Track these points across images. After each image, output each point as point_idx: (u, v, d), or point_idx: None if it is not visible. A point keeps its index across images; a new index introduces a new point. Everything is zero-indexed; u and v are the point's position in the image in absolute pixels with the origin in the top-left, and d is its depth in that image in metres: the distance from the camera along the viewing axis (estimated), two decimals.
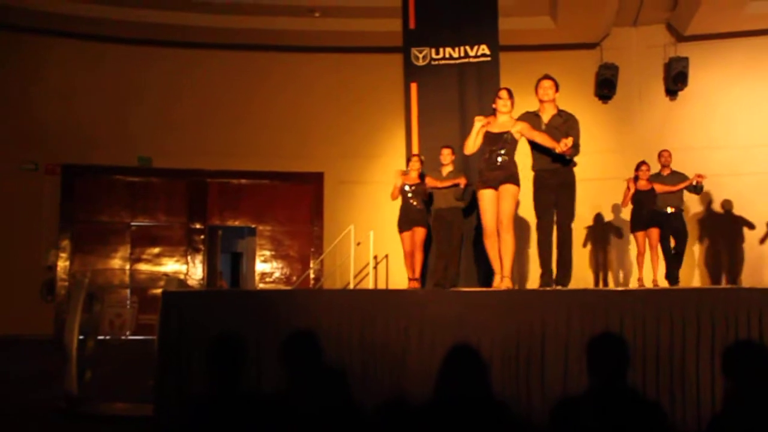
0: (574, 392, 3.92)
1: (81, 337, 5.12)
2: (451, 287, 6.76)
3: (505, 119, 5.52)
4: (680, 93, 10.93)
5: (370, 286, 10.07)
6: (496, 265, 5.51)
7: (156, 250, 11.26)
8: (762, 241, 10.20)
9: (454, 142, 7.48)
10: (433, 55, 8.42)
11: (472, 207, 7.26)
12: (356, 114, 11.22)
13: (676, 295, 4.26)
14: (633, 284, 9.83)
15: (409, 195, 7.64)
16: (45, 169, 10.85)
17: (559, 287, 5.50)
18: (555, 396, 3.94)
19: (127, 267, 11.16)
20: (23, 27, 10.58)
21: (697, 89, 10.82)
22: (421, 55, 8.45)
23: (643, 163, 8.48)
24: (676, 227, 8.41)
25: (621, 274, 10.82)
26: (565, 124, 5.68)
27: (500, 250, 5.41)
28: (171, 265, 11.26)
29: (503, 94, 5.57)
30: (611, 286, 10.56)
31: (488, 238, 5.51)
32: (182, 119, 11.13)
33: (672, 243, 8.43)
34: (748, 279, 10.15)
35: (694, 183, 8.21)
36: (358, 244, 9.85)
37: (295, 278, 11.36)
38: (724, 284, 10.02)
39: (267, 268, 11.54)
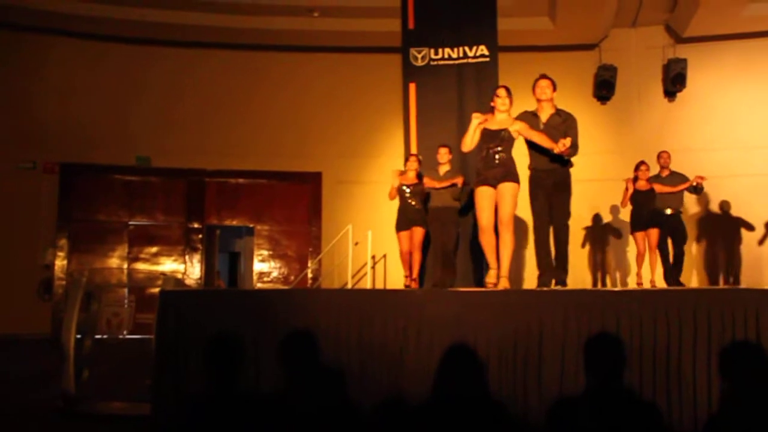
0: (571, 392, 3.92)
1: (78, 336, 5.11)
2: (449, 287, 6.76)
3: (503, 117, 5.50)
4: (679, 94, 10.96)
5: (368, 285, 10.06)
6: (491, 260, 5.48)
7: (154, 249, 11.26)
8: (760, 242, 10.21)
9: (452, 143, 7.48)
10: (432, 56, 8.44)
11: (469, 206, 7.26)
12: (355, 114, 11.22)
13: (673, 295, 4.25)
14: (631, 285, 9.84)
15: (408, 195, 7.64)
16: (43, 168, 10.84)
17: (557, 287, 5.50)
18: (552, 396, 3.94)
19: (125, 266, 11.15)
20: (24, 26, 10.57)
21: (696, 90, 10.84)
22: (419, 56, 8.46)
23: (642, 163, 8.46)
24: (675, 229, 8.39)
25: (619, 275, 10.83)
26: (563, 124, 5.66)
27: (499, 249, 5.39)
28: (169, 265, 11.25)
29: (501, 92, 5.55)
30: (609, 286, 10.56)
31: (484, 234, 5.48)
32: (181, 118, 11.13)
33: (671, 245, 8.43)
34: (746, 280, 10.15)
35: (695, 184, 8.20)
36: (356, 243, 9.85)
37: (293, 278, 11.36)
38: (722, 285, 10.02)
39: (265, 267, 11.54)
